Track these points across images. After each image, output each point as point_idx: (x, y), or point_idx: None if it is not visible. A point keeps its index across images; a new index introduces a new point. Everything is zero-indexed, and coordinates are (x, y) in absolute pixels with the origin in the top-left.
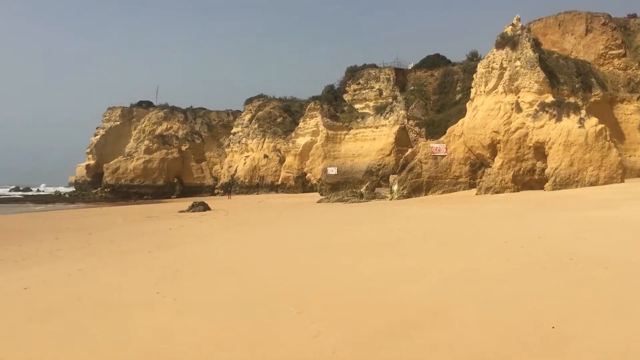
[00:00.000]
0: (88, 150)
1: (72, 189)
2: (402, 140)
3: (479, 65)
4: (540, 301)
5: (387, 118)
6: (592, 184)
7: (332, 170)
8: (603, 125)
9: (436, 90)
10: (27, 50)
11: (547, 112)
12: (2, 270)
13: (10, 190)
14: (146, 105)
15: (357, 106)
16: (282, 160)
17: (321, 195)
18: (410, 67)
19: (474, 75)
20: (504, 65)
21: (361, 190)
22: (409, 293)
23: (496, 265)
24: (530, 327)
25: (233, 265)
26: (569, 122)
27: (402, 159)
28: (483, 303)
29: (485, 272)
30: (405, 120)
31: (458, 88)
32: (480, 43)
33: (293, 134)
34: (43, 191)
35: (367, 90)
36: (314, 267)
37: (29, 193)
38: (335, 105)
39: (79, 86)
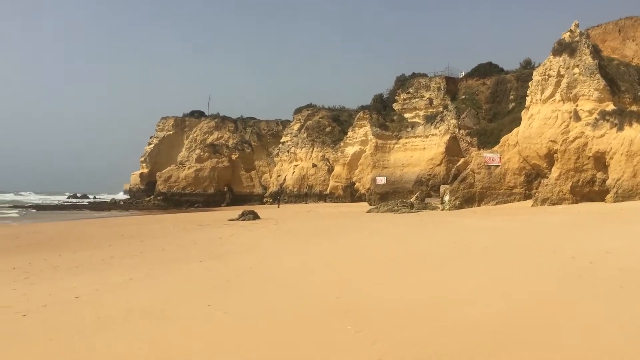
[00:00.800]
0: (142, 158)
1: (126, 196)
2: (453, 150)
3: (534, 73)
4: (624, 325)
5: (438, 127)
6: None
7: (381, 180)
8: None
9: (488, 99)
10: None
11: (607, 120)
12: (56, 278)
13: (68, 198)
14: (198, 115)
15: (406, 115)
16: (330, 170)
17: (370, 205)
18: (461, 76)
19: (530, 83)
20: (561, 73)
21: (411, 200)
22: (475, 315)
23: (568, 284)
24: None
25: (285, 277)
26: (632, 132)
27: (453, 169)
28: (558, 327)
29: (556, 291)
30: (456, 130)
31: (511, 97)
32: (534, 51)
33: (342, 143)
34: (99, 199)
35: (417, 99)
36: (371, 282)
37: (85, 201)
38: (384, 114)
39: (137, 96)
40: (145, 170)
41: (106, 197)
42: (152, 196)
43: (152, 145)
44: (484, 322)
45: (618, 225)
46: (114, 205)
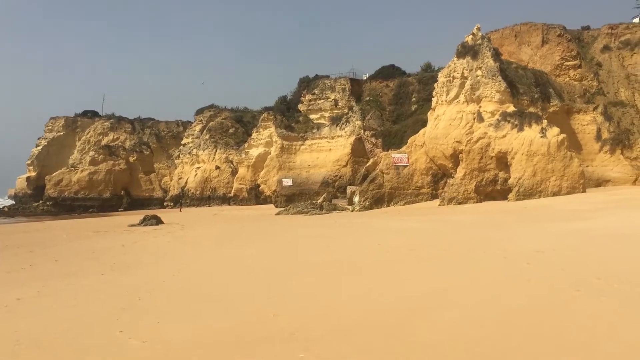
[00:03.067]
0: (29, 161)
1: (11, 202)
2: (359, 151)
3: (439, 74)
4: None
5: (343, 129)
6: (555, 194)
7: (288, 182)
8: (564, 135)
9: (392, 101)
10: None
11: (509, 122)
12: None
13: None
14: (91, 115)
15: (312, 116)
16: (234, 172)
17: (276, 207)
18: (365, 78)
19: (435, 85)
20: (465, 75)
21: (319, 201)
22: (440, 327)
23: (521, 289)
24: None
25: (207, 290)
26: (531, 132)
27: (363, 170)
28: (537, 337)
29: (509, 296)
30: (362, 131)
31: (413, 99)
32: (433, 55)
33: (246, 145)
34: None
35: (322, 100)
36: (308, 294)
37: None
38: (288, 116)
39: (20, 94)
40: (33, 174)
41: None
42: (40, 201)
43: (40, 147)
44: (453, 334)
45: (531, 224)
46: None
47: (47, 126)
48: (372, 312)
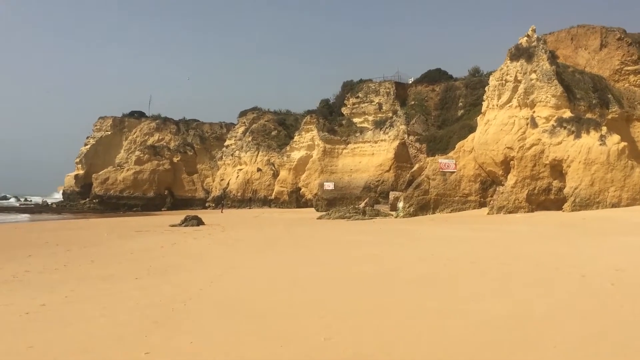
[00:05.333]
0: (77, 160)
1: (60, 199)
2: (402, 156)
3: (491, 78)
4: None
5: (387, 133)
6: (614, 205)
7: (329, 186)
8: (625, 144)
9: (437, 106)
10: (22, 59)
11: (565, 128)
12: None
13: None
14: (138, 115)
15: (355, 120)
16: (275, 174)
17: (317, 210)
18: (410, 82)
19: (486, 88)
20: (518, 78)
21: (361, 206)
22: None
23: (622, 319)
24: None
25: (249, 304)
26: (589, 140)
27: (408, 175)
28: None
29: (615, 331)
30: (406, 136)
31: (460, 104)
32: (482, 59)
33: (288, 148)
34: (30, 200)
35: (366, 104)
36: (367, 314)
37: (14, 202)
38: (330, 119)
39: (73, 95)
40: (81, 172)
41: (38, 200)
42: (87, 199)
43: (88, 146)
44: None
45: (597, 237)
46: (45, 208)
47: (96, 125)
48: (446, 340)
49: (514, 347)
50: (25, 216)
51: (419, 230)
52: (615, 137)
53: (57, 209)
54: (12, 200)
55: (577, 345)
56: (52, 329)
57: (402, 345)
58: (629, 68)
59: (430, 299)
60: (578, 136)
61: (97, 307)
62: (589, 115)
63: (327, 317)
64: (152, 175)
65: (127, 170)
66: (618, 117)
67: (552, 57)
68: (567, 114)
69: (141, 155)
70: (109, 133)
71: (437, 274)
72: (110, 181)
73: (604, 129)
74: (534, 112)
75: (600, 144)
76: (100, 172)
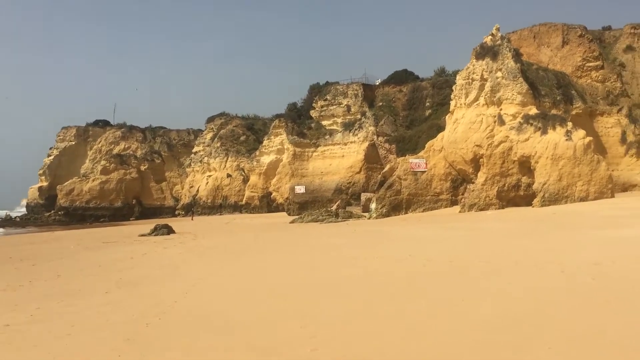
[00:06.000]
0: (41, 171)
1: (24, 212)
2: (372, 157)
3: (458, 77)
4: None
5: (356, 134)
6: (582, 200)
7: (300, 189)
8: (591, 138)
9: (405, 106)
10: None
11: (531, 124)
12: None
13: None
14: (103, 124)
15: (324, 123)
16: (246, 180)
17: (289, 214)
18: (377, 83)
19: (453, 87)
20: (484, 77)
21: (333, 209)
22: None
23: (613, 314)
24: None
25: (226, 316)
26: (556, 135)
27: (379, 176)
28: None
29: (614, 329)
30: (375, 137)
31: (427, 104)
32: (448, 59)
33: (257, 153)
34: None
35: (334, 106)
36: (351, 320)
37: None
38: (299, 122)
39: (33, 105)
40: (45, 184)
41: (1, 214)
42: (52, 211)
43: (52, 157)
44: None
45: (569, 232)
46: (7, 222)
47: (59, 136)
48: (441, 346)
49: (507, 348)
50: None
51: (393, 230)
52: (581, 132)
53: (21, 223)
54: None
55: (573, 344)
56: (16, 351)
57: (392, 352)
58: (590, 64)
59: (414, 301)
60: (544, 132)
61: (65, 325)
62: (554, 112)
63: (310, 326)
64: (119, 185)
65: (93, 180)
66: (582, 112)
67: (517, 55)
68: (533, 110)
69: (107, 164)
70: (73, 143)
71: (418, 275)
72: (75, 192)
73: (570, 124)
74: (501, 109)
75: (567, 140)
76: (65, 183)
